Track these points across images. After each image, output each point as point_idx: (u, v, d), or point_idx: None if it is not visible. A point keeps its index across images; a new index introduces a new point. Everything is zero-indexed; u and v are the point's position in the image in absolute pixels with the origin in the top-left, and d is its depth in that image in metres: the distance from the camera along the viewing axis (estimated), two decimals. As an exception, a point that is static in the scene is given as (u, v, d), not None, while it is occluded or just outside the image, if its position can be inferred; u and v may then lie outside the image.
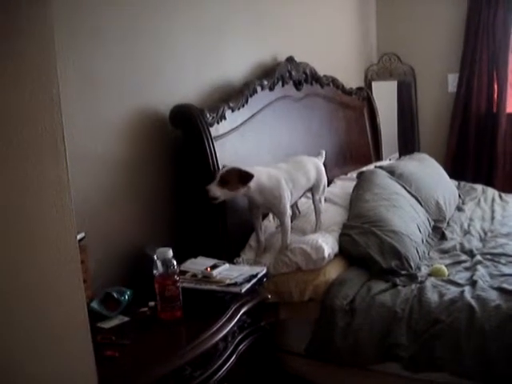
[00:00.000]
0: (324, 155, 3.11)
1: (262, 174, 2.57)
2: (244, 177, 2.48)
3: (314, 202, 2.91)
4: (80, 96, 2.18)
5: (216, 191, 2.43)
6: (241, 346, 2.12)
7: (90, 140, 2.25)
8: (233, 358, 2.05)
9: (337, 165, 3.76)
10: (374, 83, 4.84)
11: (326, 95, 3.76)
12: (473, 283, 2.51)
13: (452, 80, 4.69)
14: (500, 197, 3.92)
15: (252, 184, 2.51)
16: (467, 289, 2.46)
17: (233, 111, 2.79)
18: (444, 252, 3.01)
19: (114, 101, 2.36)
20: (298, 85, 3.41)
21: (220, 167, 2.57)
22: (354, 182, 3.30)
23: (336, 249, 2.70)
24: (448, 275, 2.67)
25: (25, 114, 1.10)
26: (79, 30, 2.17)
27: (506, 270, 2.67)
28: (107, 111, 2.33)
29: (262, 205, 2.63)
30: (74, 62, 2.13)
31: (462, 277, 2.63)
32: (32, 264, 1.12)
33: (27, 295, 1.12)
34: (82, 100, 2.20)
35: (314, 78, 3.56)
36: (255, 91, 2.97)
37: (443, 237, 3.20)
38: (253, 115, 2.97)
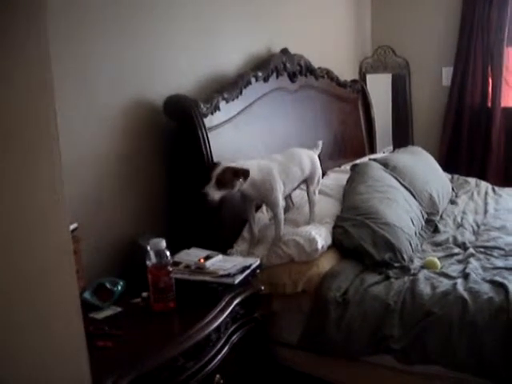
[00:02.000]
0: (320, 146, 3.11)
1: (253, 167, 2.55)
2: (240, 174, 2.46)
3: (308, 194, 2.91)
4: (73, 86, 2.17)
5: (214, 194, 2.40)
6: (233, 337, 2.13)
7: (84, 131, 2.24)
8: (225, 349, 2.05)
9: (331, 157, 3.76)
10: (368, 76, 4.84)
11: (321, 87, 3.75)
12: (465, 276, 2.52)
13: (446, 73, 4.69)
14: (493, 190, 3.93)
15: (247, 179, 2.50)
16: (460, 281, 2.46)
17: (227, 102, 2.78)
18: (437, 245, 3.01)
19: (107, 92, 2.35)
20: (292, 77, 3.40)
21: (212, 161, 2.56)
22: (348, 175, 3.30)
23: (329, 241, 2.70)
24: (441, 268, 2.68)
25: (17, 103, 1.09)
26: (72, 21, 2.15)
27: (499, 263, 2.68)
28: (100, 102, 2.32)
29: (254, 197, 2.64)
30: (68, 53, 2.12)
31: (454, 269, 2.64)
32: (24, 254, 1.12)
33: (19, 285, 1.11)
34: (75, 91, 2.19)
35: (308, 69, 3.56)
36: (249, 82, 2.97)
37: (436, 229, 3.21)
38: (247, 106, 2.96)
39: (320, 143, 3.12)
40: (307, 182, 2.90)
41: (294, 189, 2.92)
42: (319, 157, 3.04)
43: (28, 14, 1.09)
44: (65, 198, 1.18)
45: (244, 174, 2.46)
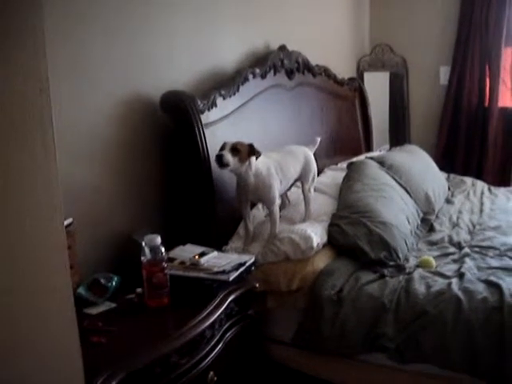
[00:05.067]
0: (318, 142, 3.11)
1: (260, 158, 2.57)
2: (254, 150, 2.51)
3: (303, 192, 2.91)
4: (70, 80, 2.16)
5: (229, 157, 2.43)
6: (228, 334, 2.12)
7: (80, 124, 2.23)
8: (219, 345, 2.05)
9: (327, 155, 3.75)
10: (366, 74, 4.84)
11: (318, 85, 3.75)
12: (460, 275, 2.52)
13: (444, 72, 4.69)
14: (489, 190, 3.94)
15: (253, 165, 2.54)
16: (454, 281, 2.46)
17: (224, 99, 2.78)
18: (432, 244, 3.01)
19: (104, 86, 2.34)
20: (290, 74, 3.40)
21: (210, 155, 2.56)
22: (344, 173, 3.30)
23: (325, 239, 2.69)
24: (436, 267, 2.68)
25: (13, 98, 1.08)
26: (68, 16, 2.14)
27: (494, 262, 2.68)
28: (97, 96, 2.31)
29: (251, 190, 2.61)
30: (64, 47, 2.11)
31: (449, 269, 2.64)
32: (17, 249, 1.11)
33: (12, 280, 1.10)
34: (72, 84, 2.18)
35: (306, 67, 3.55)
36: (247, 79, 2.96)
37: (432, 228, 3.21)
38: (244, 103, 2.96)
39: (318, 139, 3.12)
40: (302, 179, 2.90)
41: (290, 186, 2.92)
42: (315, 154, 3.04)
43: (25, 12, 1.09)
44: (59, 193, 1.18)
45: (257, 152, 2.52)
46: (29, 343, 1.14)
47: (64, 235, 1.22)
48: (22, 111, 1.10)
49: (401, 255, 2.70)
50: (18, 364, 1.13)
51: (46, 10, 1.16)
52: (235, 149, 2.46)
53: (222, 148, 2.47)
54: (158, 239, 2.03)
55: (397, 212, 2.94)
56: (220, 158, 2.43)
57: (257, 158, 2.54)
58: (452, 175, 4.17)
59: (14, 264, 1.11)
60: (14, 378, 1.12)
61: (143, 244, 2.03)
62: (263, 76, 3.12)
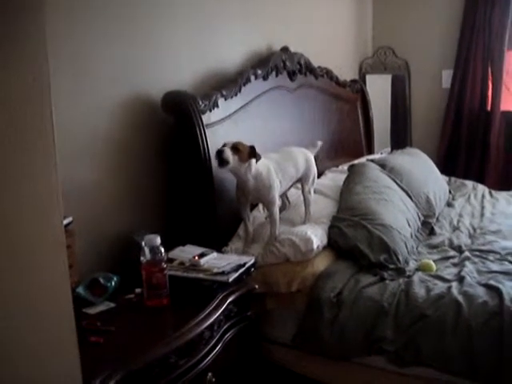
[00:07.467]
0: (319, 146, 3.10)
1: (259, 161, 2.57)
2: (255, 152, 2.50)
3: (303, 193, 2.90)
4: (70, 80, 2.16)
5: (229, 154, 2.42)
6: (227, 335, 2.12)
7: (81, 124, 2.23)
8: (218, 346, 2.04)
9: (328, 157, 3.75)
10: (368, 76, 4.84)
11: (320, 87, 3.74)
12: (460, 279, 2.51)
13: (446, 76, 4.69)
14: (490, 194, 3.93)
15: (253, 167, 2.52)
16: (454, 284, 2.46)
17: (226, 99, 2.78)
18: (432, 247, 3.01)
19: (106, 85, 2.34)
20: (292, 75, 3.39)
21: (211, 155, 2.56)
22: (345, 175, 3.30)
23: (325, 241, 2.69)
24: (436, 270, 2.67)
25: (12, 96, 1.08)
26: (71, 14, 2.14)
27: (494, 266, 2.68)
28: (99, 95, 2.31)
29: (251, 192, 2.60)
30: (65, 46, 2.11)
31: (449, 272, 2.64)
32: (16, 248, 1.11)
33: (10, 279, 1.10)
34: (73, 84, 2.18)
35: (308, 68, 3.55)
36: (249, 80, 2.96)
37: (432, 232, 3.20)
38: (246, 104, 2.95)
39: (319, 143, 3.11)
40: (302, 181, 2.89)
41: (289, 188, 2.91)
42: (316, 156, 3.04)
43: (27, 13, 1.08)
44: (59, 191, 1.17)
45: (258, 155, 2.50)
46: (26, 342, 1.14)
47: (63, 234, 1.21)
48: (22, 110, 1.09)
49: (401, 258, 2.69)
50: (15, 363, 1.12)
51: (48, 10, 1.16)
52: (236, 148, 2.45)
53: (223, 146, 2.47)
54: (158, 239, 2.03)
55: (397, 215, 2.94)
56: (220, 154, 2.42)
57: (257, 161, 2.53)
58: (453, 178, 4.16)
59: (13, 263, 1.10)
60: (10, 377, 1.12)
61: (143, 244, 2.03)
62: (265, 77, 3.12)
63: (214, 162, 2.51)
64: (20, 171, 1.10)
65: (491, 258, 2.79)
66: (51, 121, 1.13)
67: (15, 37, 1.07)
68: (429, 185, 3.51)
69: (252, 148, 2.50)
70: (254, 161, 2.52)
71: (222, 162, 2.42)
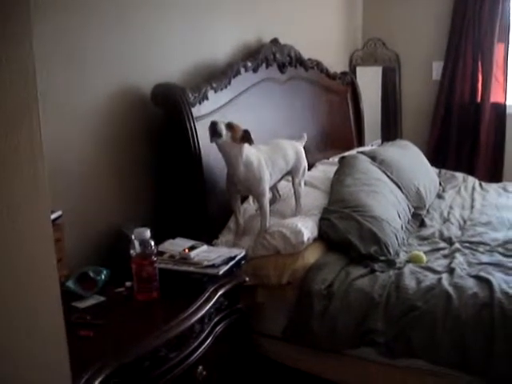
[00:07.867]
0: (305, 138, 3.09)
1: (251, 150, 2.55)
2: (249, 136, 2.47)
3: (293, 186, 2.90)
4: (60, 71, 2.15)
5: (223, 128, 2.41)
6: (217, 328, 2.11)
7: (69, 115, 2.22)
8: (209, 340, 2.04)
9: (318, 149, 3.75)
10: (358, 68, 4.84)
11: (310, 79, 3.74)
12: (450, 271, 2.52)
13: (436, 68, 4.70)
14: (480, 186, 3.94)
15: (244, 153, 2.50)
16: (445, 276, 2.46)
17: (215, 92, 2.76)
18: (423, 239, 3.02)
19: (95, 77, 2.32)
20: (282, 67, 3.38)
21: (201, 148, 2.55)
22: (336, 167, 3.29)
23: (315, 233, 2.69)
24: (426, 262, 2.68)
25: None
26: (61, 4, 2.12)
27: (484, 258, 2.69)
28: (87, 87, 2.30)
29: (241, 181, 2.59)
30: (57, 38, 2.10)
31: (440, 264, 2.64)
32: (1, 242, 1.09)
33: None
34: (62, 75, 2.16)
35: (298, 61, 3.54)
36: (239, 72, 2.95)
37: (422, 224, 3.21)
38: (236, 96, 2.94)
39: (305, 135, 3.11)
40: (292, 173, 2.89)
41: (279, 180, 2.91)
42: (306, 149, 3.03)
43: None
44: (46, 184, 1.16)
45: (251, 140, 2.48)
46: (13, 337, 1.13)
47: (50, 227, 1.20)
48: (6, 100, 1.08)
49: (391, 250, 2.70)
50: (1, 358, 1.11)
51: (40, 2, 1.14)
52: (230, 125, 2.44)
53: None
54: (148, 233, 2.02)
55: (388, 207, 2.94)
56: (214, 125, 2.40)
57: (250, 145, 2.51)
58: (443, 170, 4.17)
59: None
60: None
61: (133, 237, 2.02)
62: (255, 69, 3.11)
63: (205, 155, 2.51)
64: (4, 164, 1.08)
65: (481, 249, 2.80)
66: (37, 112, 1.12)
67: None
68: (419, 177, 3.52)
69: (246, 132, 2.48)
70: (246, 146, 2.50)
71: (215, 133, 2.40)
